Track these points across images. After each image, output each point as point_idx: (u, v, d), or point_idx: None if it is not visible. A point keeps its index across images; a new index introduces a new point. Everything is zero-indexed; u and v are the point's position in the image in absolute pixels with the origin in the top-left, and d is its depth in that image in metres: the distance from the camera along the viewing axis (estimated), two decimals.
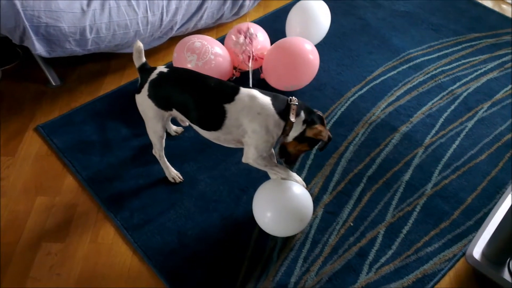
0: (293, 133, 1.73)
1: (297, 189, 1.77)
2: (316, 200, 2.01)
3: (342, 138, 2.27)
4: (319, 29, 2.64)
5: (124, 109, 2.38)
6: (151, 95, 1.77)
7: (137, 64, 1.82)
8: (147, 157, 2.10)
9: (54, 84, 2.57)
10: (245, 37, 2.36)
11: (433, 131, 2.30)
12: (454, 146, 2.24)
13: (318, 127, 1.71)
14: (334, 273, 1.78)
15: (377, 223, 1.93)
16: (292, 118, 1.68)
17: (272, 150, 1.86)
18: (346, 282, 1.76)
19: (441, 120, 2.36)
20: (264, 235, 1.87)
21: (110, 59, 2.73)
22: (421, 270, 1.79)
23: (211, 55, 2.28)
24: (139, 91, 1.80)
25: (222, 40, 2.62)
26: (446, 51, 2.78)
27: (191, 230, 1.91)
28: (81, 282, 1.77)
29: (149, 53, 2.73)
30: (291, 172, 1.82)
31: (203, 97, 1.71)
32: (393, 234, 1.90)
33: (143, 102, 1.80)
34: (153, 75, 1.77)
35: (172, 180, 2.05)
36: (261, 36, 2.47)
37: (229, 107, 1.68)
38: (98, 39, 2.40)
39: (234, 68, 2.45)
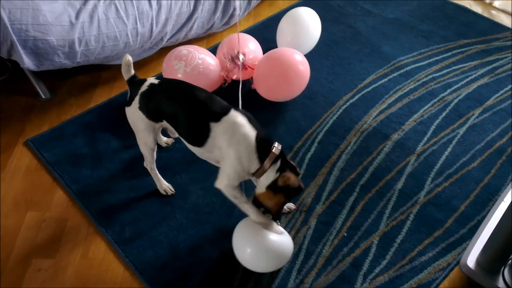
0: (265, 181, 1.65)
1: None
2: (309, 210, 2.00)
3: (335, 147, 2.26)
4: (310, 38, 2.64)
5: (114, 121, 2.36)
6: (142, 107, 1.75)
7: (126, 77, 1.81)
8: (138, 170, 2.08)
9: (43, 97, 2.55)
10: (232, 62, 2.36)
11: (425, 139, 2.30)
12: (446, 153, 2.24)
13: (287, 174, 1.61)
14: (329, 285, 1.76)
15: (371, 232, 1.92)
16: (267, 163, 1.61)
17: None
18: None
19: (433, 127, 2.36)
20: None
21: (100, 71, 2.71)
22: (415, 280, 1.77)
23: (198, 60, 2.29)
24: (129, 104, 1.79)
25: (213, 50, 2.62)
26: (437, 58, 2.79)
27: (183, 243, 1.89)
28: None
29: (139, 64, 2.72)
30: (263, 218, 1.70)
31: (191, 111, 1.69)
32: (387, 244, 1.88)
33: (134, 114, 1.79)
34: (144, 87, 1.76)
35: (164, 193, 2.03)
36: (252, 46, 2.47)
37: (214, 126, 1.64)
38: (88, 51, 2.38)
39: (224, 82, 2.44)
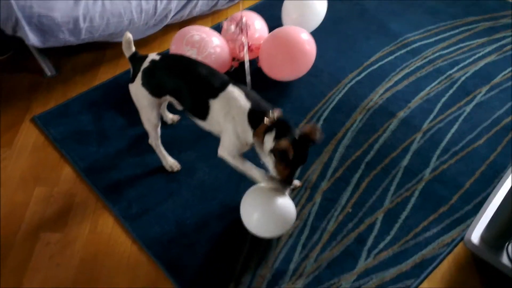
0: (266, 148, 1.63)
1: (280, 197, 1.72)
2: (314, 187, 2.01)
3: (340, 125, 2.26)
4: (316, 15, 2.61)
5: (119, 99, 2.36)
6: (144, 84, 1.76)
7: (127, 54, 1.82)
8: (144, 147, 2.09)
9: (49, 74, 2.55)
10: (237, 26, 2.33)
11: (431, 116, 2.29)
12: (453, 130, 2.23)
13: (280, 140, 1.56)
14: (333, 259, 1.79)
15: (376, 209, 1.93)
16: (258, 133, 1.61)
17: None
18: (345, 268, 1.76)
19: (439, 105, 2.35)
20: None
21: (104, 49, 2.70)
22: (419, 255, 1.79)
23: (210, 49, 2.25)
24: (132, 81, 1.79)
25: (217, 28, 2.60)
26: (444, 35, 2.76)
27: (190, 219, 1.91)
28: (81, 271, 1.77)
29: (144, 41, 2.70)
30: (270, 181, 1.70)
31: (192, 87, 1.71)
32: (392, 220, 1.90)
33: (137, 91, 1.79)
34: (146, 63, 1.76)
35: (170, 169, 2.05)
36: (258, 24, 2.44)
37: (212, 102, 1.67)
38: (92, 28, 2.37)
39: (233, 59, 2.42)
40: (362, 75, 2.51)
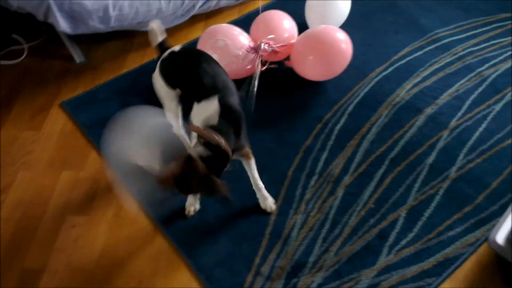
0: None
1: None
2: (336, 181, 2.00)
3: (365, 119, 2.23)
4: (339, 10, 2.54)
5: (146, 87, 2.38)
6: (161, 73, 1.79)
7: (154, 43, 1.84)
8: None
9: (78, 61, 2.59)
10: (256, 52, 2.26)
11: (459, 114, 2.25)
12: (481, 129, 2.18)
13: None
14: (354, 254, 1.78)
15: (399, 205, 1.91)
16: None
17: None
18: (365, 263, 1.75)
19: (468, 102, 2.30)
20: (284, 214, 1.88)
21: (132, 37, 2.73)
22: (442, 254, 1.77)
23: (232, 57, 2.22)
24: (154, 70, 1.83)
25: (244, 19, 2.59)
26: (475, 32, 2.69)
27: (212, 207, 1.93)
28: (104, 254, 1.81)
29: (171, 31, 2.71)
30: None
31: (189, 85, 1.70)
32: (415, 217, 1.87)
33: (156, 80, 1.82)
34: (165, 54, 1.79)
35: None
36: (287, 24, 2.38)
37: (195, 105, 1.62)
38: (121, 16, 2.40)
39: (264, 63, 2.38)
40: (390, 69, 2.47)
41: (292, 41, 2.35)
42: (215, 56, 2.08)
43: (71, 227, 1.90)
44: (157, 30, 1.83)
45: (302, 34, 2.32)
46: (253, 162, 1.82)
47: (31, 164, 2.12)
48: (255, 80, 2.22)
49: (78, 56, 2.58)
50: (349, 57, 2.28)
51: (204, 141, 1.47)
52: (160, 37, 1.83)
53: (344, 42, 2.25)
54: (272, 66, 2.41)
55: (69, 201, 1.98)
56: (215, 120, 1.53)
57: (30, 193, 2.01)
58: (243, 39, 2.28)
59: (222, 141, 1.47)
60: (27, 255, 1.82)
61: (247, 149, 1.75)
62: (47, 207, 1.96)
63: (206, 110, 1.56)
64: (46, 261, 1.80)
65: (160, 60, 1.79)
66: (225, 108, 1.56)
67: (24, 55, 2.65)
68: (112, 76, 2.50)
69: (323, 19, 2.47)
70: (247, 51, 2.25)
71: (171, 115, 1.91)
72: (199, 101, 1.61)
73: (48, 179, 2.06)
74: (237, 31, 2.30)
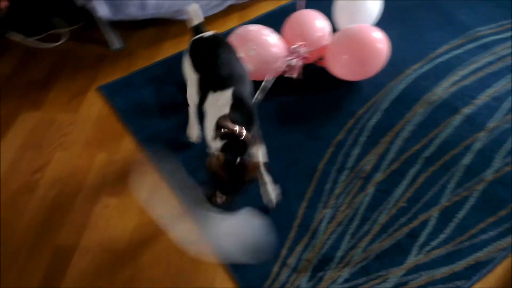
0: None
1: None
2: (368, 177, 1.98)
3: (400, 116, 2.20)
4: (369, 9, 2.45)
5: (181, 75, 2.39)
6: (189, 54, 1.80)
7: (192, 23, 1.84)
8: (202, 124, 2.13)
9: (115, 47, 2.64)
10: (297, 57, 2.27)
11: (498, 115, 2.19)
12: None
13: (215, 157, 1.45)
14: (382, 251, 1.76)
15: (431, 205, 1.88)
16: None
17: None
18: (394, 261, 1.74)
19: (507, 104, 2.23)
20: (313, 207, 1.88)
21: (168, 25, 2.76)
22: (474, 257, 1.73)
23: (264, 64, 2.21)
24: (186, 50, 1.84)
25: (280, 10, 2.57)
26: None
27: (240, 201, 1.93)
28: (135, 236, 1.85)
29: (206, 21, 2.71)
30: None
31: (208, 74, 1.69)
32: (447, 218, 1.84)
33: (185, 60, 1.83)
34: (197, 36, 1.81)
35: (187, 135, 2.09)
36: (320, 23, 2.33)
37: (210, 95, 1.63)
38: (159, 4, 2.43)
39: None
40: (426, 67, 2.42)
41: (324, 43, 2.30)
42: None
43: (104, 207, 1.94)
44: (192, 13, 1.83)
45: (336, 35, 2.26)
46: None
47: (67, 145, 2.18)
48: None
49: (115, 42, 2.63)
50: (385, 56, 2.23)
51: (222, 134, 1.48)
52: (196, 21, 1.84)
53: (380, 41, 2.19)
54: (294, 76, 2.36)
55: (103, 182, 2.03)
56: (226, 111, 1.55)
57: (66, 173, 2.07)
58: (272, 39, 2.24)
59: (239, 128, 1.48)
60: (60, 232, 1.88)
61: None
62: (81, 187, 2.01)
63: (220, 100, 1.58)
64: (79, 239, 1.85)
65: (192, 40, 1.81)
66: (238, 100, 1.57)
67: (64, 39, 2.71)
68: (147, 63, 2.54)
69: (352, 19, 2.40)
70: (286, 56, 2.24)
71: (190, 99, 1.93)
72: (215, 90, 1.62)
73: (83, 160, 2.11)
74: (267, 33, 2.24)
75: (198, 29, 1.85)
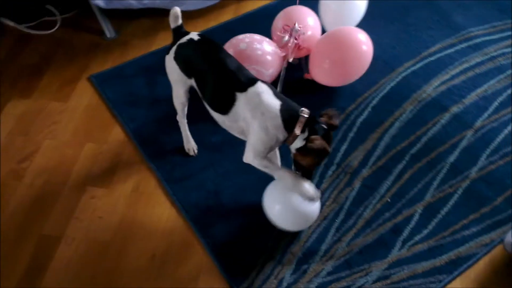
0: (295, 145, 1.61)
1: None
2: (354, 173, 2.00)
3: (388, 114, 2.21)
4: (355, 6, 2.39)
5: None
6: (176, 58, 1.77)
7: (172, 25, 1.82)
8: (193, 116, 2.12)
9: (109, 36, 2.64)
10: (290, 36, 2.19)
11: (486, 114, 2.21)
12: (506, 131, 2.14)
13: (313, 137, 1.55)
14: (366, 246, 1.78)
15: (415, 201, 1.90)
16: (297, 131, 1.57)
17: (278, 153, 1.87)
18: (377, 256, 1.76)
19: (495, 103, 2.26)
20: None
21: (164, 16, 2.73)
22: (455, 252, 1.76)
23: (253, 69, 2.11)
24: (167, 52, 1.81)
25: (279, 4, 2.57)
26: (509, 33, 2.62)
27: (228, 189, 1.95)
28: (121, 227, 1.86)
29: (201, 12, 2.73)
30: (300, 181, 1.62)
31: (219, 76, 1.66)
32: (431, 214, 1.86)
33: (169, 63, 1.81)
34: (183, 39, 1.76)
35: (187, 151, 2.06)
36: (311, 21, 2.29)
37: (239, 96, 1.61)
38: None
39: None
40: (418, 65, 2.44)
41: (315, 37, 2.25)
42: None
43: (90, 198, 1.95)
44: (178, 15, 1.82)
45: (321, 37, 2.22)
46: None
47: (56, 133, 2.18)
48: (284, 69, 2.22)
49: (109, 31, 2.63)
50: (367, 62, 2.18)
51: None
52: (178, 22, 1.83)
53: (365, 43, 2.14)
54: (293, 61, 2.32)
55: (90, 173, 2.03)
56: (285, 99, 1.62)
57: (53, 162, 2.07)
58: (266, 47, 2.15)
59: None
60: (46, 221, 1.88)
61: None
62: (69, 177, 2.02)
63: (263, 93, 1.59)
64: (64, 229, 1.86)
65: (178, 44, 1.77)
66: (270, 86, 1.65)
67: (57, 26, 2.70)
68: (140, 53, 2.53)
69: (338, 18, 2.37)
70: (280, 33, 2.21)
71: (177, 102, 1.91)
72: (244, 89, 1.61)
73: (72, 149, 2.12)
74: (258, 47, 2.13)
75: (179, 29, 1.82)
